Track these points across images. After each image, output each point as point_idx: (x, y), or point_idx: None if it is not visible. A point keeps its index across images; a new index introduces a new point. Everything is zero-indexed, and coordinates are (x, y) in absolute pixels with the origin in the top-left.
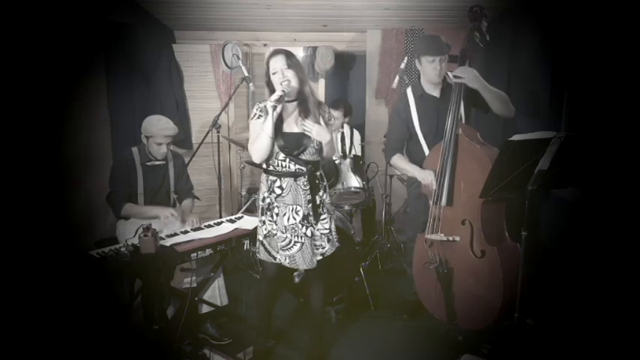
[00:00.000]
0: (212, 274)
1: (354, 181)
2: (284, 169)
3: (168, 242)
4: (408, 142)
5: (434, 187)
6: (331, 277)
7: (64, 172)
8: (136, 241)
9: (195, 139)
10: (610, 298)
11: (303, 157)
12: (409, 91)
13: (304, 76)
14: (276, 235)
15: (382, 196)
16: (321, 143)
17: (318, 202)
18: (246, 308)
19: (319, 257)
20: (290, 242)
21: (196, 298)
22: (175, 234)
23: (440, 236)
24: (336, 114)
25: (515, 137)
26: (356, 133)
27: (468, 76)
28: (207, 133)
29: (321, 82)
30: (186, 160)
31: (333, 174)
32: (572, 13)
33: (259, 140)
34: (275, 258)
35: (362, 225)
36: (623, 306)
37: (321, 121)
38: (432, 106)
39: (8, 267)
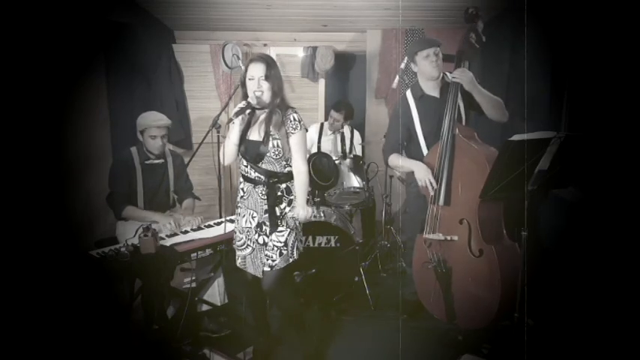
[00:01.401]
0: (212, 274)
1: (354, 181)
2: (246, 174)
3: (168, 242)
4: (408, 143)
5: (433, 186)
6: (331, 277)
7: (64, 172)
8: (136, 241)
9: (195, 139)
10: (610, 298)
11: (263, 165)
12: (409, 93)
13: (279, 88)
14: (235, 233)
15: (382, 196)
16: (280, 153)
17: (278, 213)
18: (246, 308)
19: (267, 268)
20: (244, 244)
21: (196, 298)
22: (175, 234)
23: (438, 236)
24: (338, 117)
25: (515, 137)
26: (356, 133)
27: (465, 78)
28: (208, 133)
29: (321, 82)
30: (186, 160)
31: (333, 174)
32: (571, 13)
33: (225, 144)
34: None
35: (362, 225)
36: (623, 306)
37: (283, 130)
38: (432, 106)
39: (8, 267)
